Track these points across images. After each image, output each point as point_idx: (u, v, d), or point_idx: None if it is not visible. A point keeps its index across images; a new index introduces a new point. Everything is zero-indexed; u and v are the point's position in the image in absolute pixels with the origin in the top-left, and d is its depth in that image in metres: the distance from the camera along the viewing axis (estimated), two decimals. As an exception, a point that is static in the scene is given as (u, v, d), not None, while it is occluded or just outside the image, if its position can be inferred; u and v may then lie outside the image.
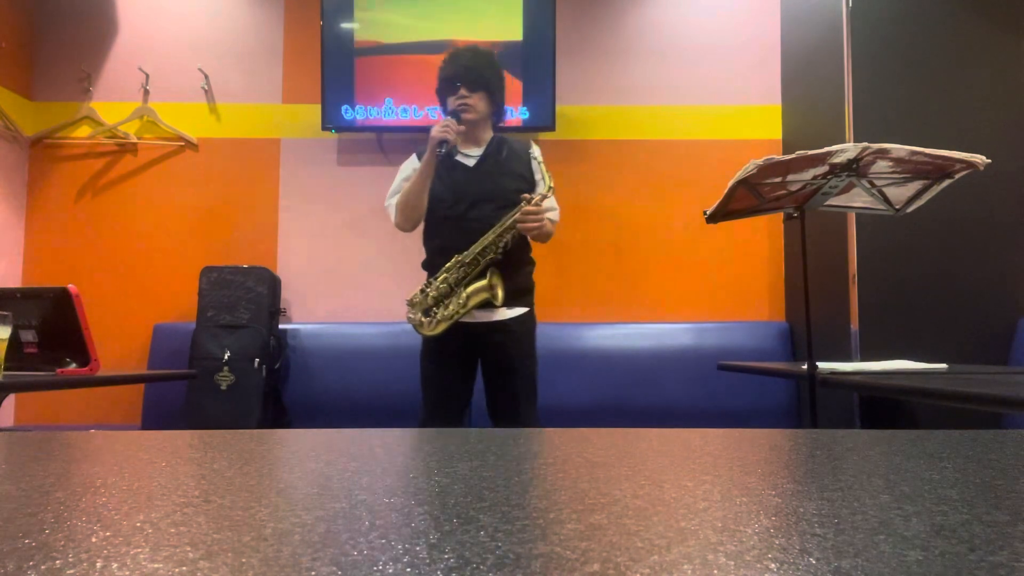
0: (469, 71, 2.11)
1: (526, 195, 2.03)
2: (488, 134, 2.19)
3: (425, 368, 2.13)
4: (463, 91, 2.10)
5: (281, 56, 3.32)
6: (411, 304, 2.07)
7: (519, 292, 2.11)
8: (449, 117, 2.08)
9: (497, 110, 2.20)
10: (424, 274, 2.15)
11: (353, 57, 3.16)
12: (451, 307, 2.01)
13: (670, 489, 0.37)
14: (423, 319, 2.04)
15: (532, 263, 2.19)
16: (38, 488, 0.37)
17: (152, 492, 0.36)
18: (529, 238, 2.10)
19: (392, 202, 2.19)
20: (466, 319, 2.04)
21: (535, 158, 2.13)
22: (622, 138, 3.28)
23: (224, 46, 3.32)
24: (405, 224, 2.16)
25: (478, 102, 2.12)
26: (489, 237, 2.01)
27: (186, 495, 0.35)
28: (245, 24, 3.33)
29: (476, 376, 2.15)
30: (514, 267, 2.09)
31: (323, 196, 3.26)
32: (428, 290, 2.04)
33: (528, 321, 2.14)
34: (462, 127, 2.09)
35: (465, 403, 2.14)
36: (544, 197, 2.04)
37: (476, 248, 2.01)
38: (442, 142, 2.03)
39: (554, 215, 2.11)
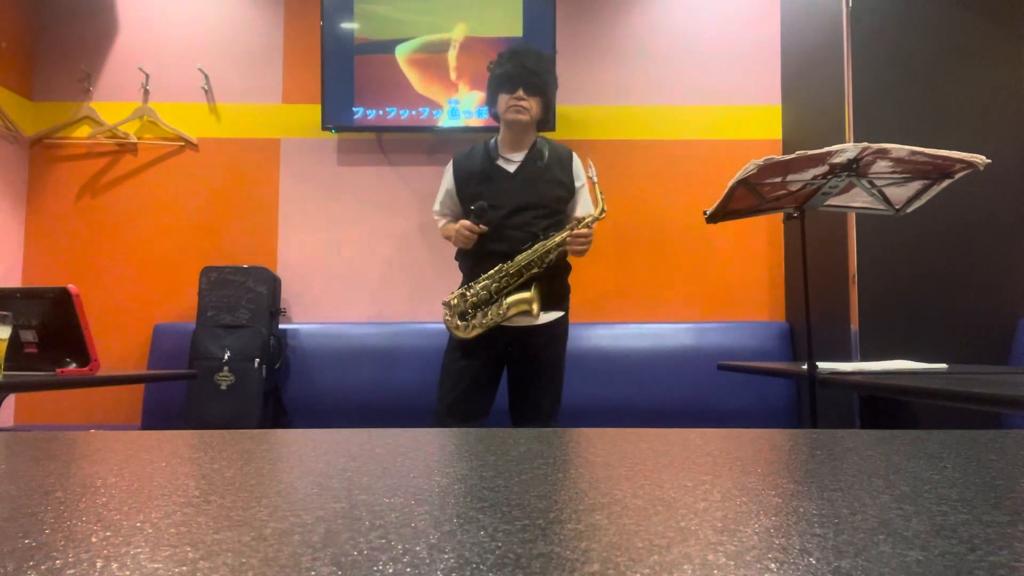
0: (532, 74, 2.10)
1: (578, 216, 2.07)
2: (531, 138, 2.18)
3: (451, 362, 2.11)
4: (521, 92, 2.09)
5: (281, 56, 3.32)
6: (448, 306, 2.08)
7: (555, 297, 2.12)
8: (481, 216, 2.05)
9: (545, 118, 2.21)
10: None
11: (353, 56, 3.16)
12: (490, 315, 2.01)
13: (670, 489, 0.37)
14: (459, 322, 2.05)
15: (569, 268, 2.20)
16: (38, 488, 0.37)
17: (152, 492, 0.36)
18: None
19: (437, 217, 2.28)
20: (504, 322, 2.05)
21: (590, 177, 2.09)
22: (622, 138, 3.28)
23: (224, 46, 3.32)
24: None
25: (533, 106, 2.11)
26: (537, 252, 2.01)
27: (186, 495, 0.35)
28: (245, 24, 3.33)
29: (502, 379, 2.15)
30: (553, 274, 2.10)
31: (323, 196, 3.26)
32: (468, 295, 2.04)
33: (562, 324, 2.14)
34: (483, 228, 2.07)
35: (489, 402, 2.13)
36: (596, 219, 2.05)
37: (522, 260, 2.02)
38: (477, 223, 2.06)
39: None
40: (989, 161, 1.53)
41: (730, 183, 1.63)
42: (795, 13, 3.08)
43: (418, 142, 3.26)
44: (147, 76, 3.26)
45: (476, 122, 3.15)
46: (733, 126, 3.26)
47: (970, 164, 1.54)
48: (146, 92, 3.26)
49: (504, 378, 2.17)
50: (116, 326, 3.17)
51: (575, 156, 2.19)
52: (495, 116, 2.20)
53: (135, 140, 3.25)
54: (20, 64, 3.24)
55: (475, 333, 2.03)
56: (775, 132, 3.25)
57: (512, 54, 2.15)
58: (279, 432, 0.59)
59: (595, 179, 2.07)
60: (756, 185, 1.65)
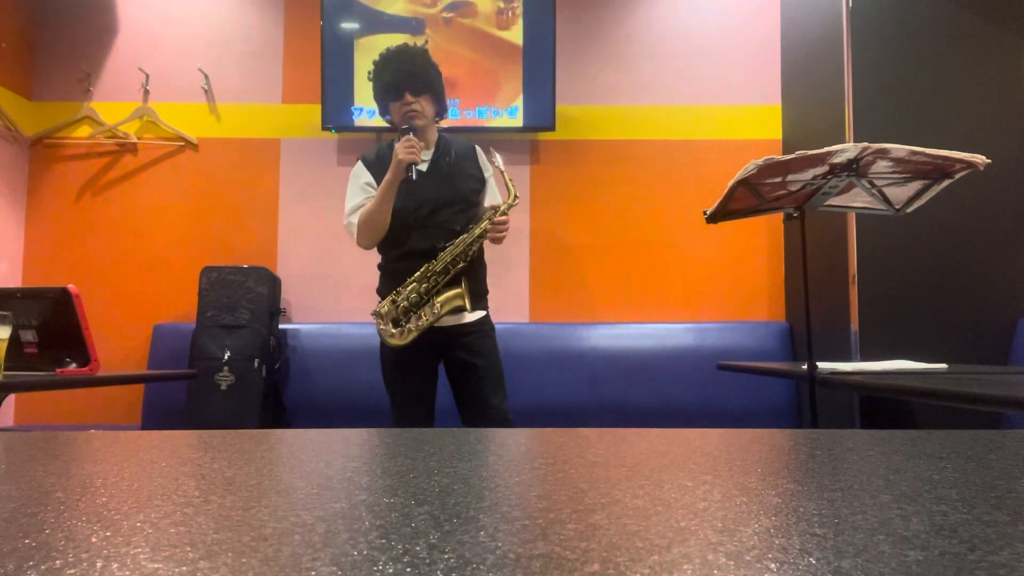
0: (412, 75, 2.07)
1: (494, 204, 2.08)
2: (434, 135, 2.18)
3: (389, 375, 2.11)
4: (408, 96, 2.06)
5: (281, 56, 3.32)
6: (379, 315, 2.04)
7: (479, 296, 2.12)
8: (410, 136, 2.02)
9: (440, 110, 2.18)
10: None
11: (353, 56, 3.16)
12: (424, 317, 2.00)
13: (670, 489, 0.37)
14: (393, 330, 2.02)
15: (485, 266, 2.20)
16: (38, 488, 0.37)
17: (152, 492, 0.36)
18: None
19: (353, 220, 2.11)
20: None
21: (498, 167, 2.11)
22: (622, 138, 3.28)
23: (224, 46, 3.32)
24: (368, 243, 2.11)
25: (425, 106, 2.10)
26: (459, 247, 2.01)
27: (186, 495, 0.35)
28: (245, 24, 3.33)
29: (438, 380, 2.14)
30: (478, 271, 2.12)
31: (323, 196, 3.26)
32: (398, 300, 2.02)
33: (488, 322, 2.15)
34: (422, 143, 2.06)
35: (431, 406, 2.13)
36: (511, 206, 2.08)
37: (447, 256, 2.01)
38: (411, 165, 1.99)
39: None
40: (989, 161, 1.53)
41: (730, 183, 1.63)
42: (795, 13, 3.08)
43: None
44: (147, 76, 3.26)
45: (476, 122, 3.15)
46: (733, 126, 3.26)
47: (970, 164, 1.54)
48: (146, 92, 3.26)
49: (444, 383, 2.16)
50: (116, 326, 3.17)
51: (477, 147, 2.21)
52: (393, 124, 2.16)
53: (135, 140, 3.25)
54: (20, 64, 3.24)
55: (411, 338, 2.00)
56: (775, 132, 3.25)
57: (385, 61, 2.11)
58: (279, 432, 0.59)
59: (503, 168, 2.10)
60: (756, 185, 1.65)
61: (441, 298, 2.00)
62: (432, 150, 2.15)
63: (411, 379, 2.10)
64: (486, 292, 2.19)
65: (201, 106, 3.30)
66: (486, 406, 2.06)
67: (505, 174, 2.11)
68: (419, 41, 3.02)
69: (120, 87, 3.29)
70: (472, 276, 2.08)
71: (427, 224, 2.06)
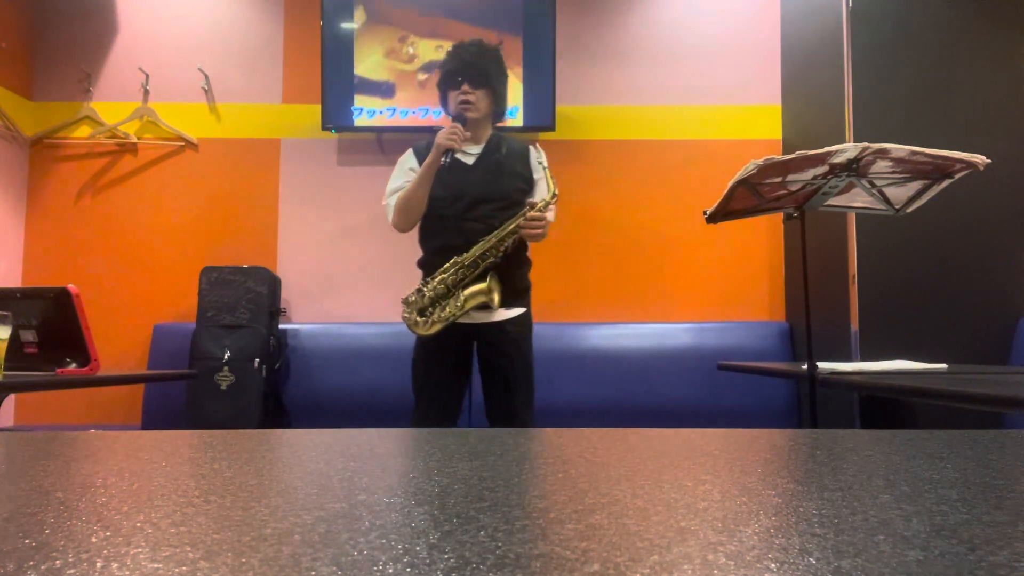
0: (473, 67, 2.07)
1: (531, 200, 2.01)
2: (487, 132, 2.16)
3: (419, 367, 2.10)
4: (466, 87, 2.06)
5: (281, 56, 3.32)
6: (406, 303, 2.05)
7: (516, 293, 2.10)
8: (456, 123, 2.03)
9: (499, 109, 2.17)
10: (420, 273, 2.14)
11: (353, 56, 3.16)
12: (448, 309, 1.99)
13: (670, 489, 0.37)
14: (418, 319, 2.03)
15: (529, 263, 2.17)
16: (38, 488, 0.37)
17: (152, 492, 0.36)
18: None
19: (391, 201, 2.14)
20: (463, 320, 2.02)
21: (540, 163, 2.09)
22: (622, 138, 3.28)
23: (224, 46, 3.32)
24: (403, 225, 2.13)
25: (480, 100, 2.09)
26: (491, 241, 1.99)
27: (186, 495, 0.35)
28: (245, 24, 3.33)
29: (471, 377, 2.14)
30: (512, 268, 2.07)
31: (323, 196, 3.26)
32: (425, 290, 2.02)
33: (525, 322, 2.13)
34: (468, 133, 2.05)
35: (459, 404, 2.12)
36: (548, 204, 2.02)
37: (476, 251, 1.99)
38: (448, 151, 2.00)
39: (551, 215, 2.08)
40: (989, 161, 1.53)
41: (730, 183, 1.63)
42: (795, 13, 3.07)
43: (418, 142, 3.26)
44: (147, 76, 3.26)
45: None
46: (733, 126, 3.26)
47: (970, 164, 1.54)
48: (146, 92, 3.26)
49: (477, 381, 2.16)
50: (116, 326, 3.17)
51: (531, 148, 2.18)
52: (450, 116, 2.15)
53: (135, 140, 3.25)
54: (20, 64, 3.24)
55: (435, 329, 2.00)
56: (775, 132, 3.25)
57: (453, 50, 2.12)
58: (279, 432, 0.59)
59: (545, 164, 2.07)
60: (756, 185, 1.65)
61: (466, 292, 1.99)
62: (482, 145, 2.13)
63: (441, 374, 2.08)
64: (525, 289, 2.15)
65: (201, 106, 3.30)
66: (512, 416, 2.07)
67: (547, 171, 2.07)
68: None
69: (120, 87, 3.29)
70: (506, 273, 2.04)
71: (464, 218, 2.04)
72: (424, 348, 2.09)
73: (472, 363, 2.13)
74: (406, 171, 2.14)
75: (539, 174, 2.13)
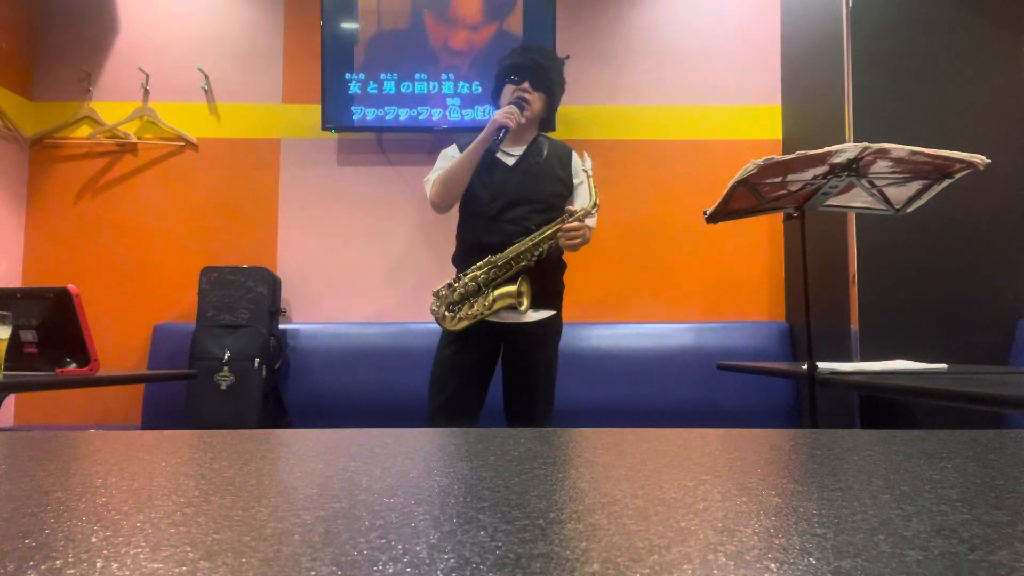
0: (540, 68, 2.10)
1: (571, 208, 1.99)
2: (532, 135, 2.17)
3: (443, 357, 2.09)
4: (527, 86, 2.08)
5: (281, 56, 3.32)
6: (437, 296, 2.06)
7: (548, 295, 2.09)
8: (513, 105, 2.05)
9: (548, 116, 2.20)
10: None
11: (353, 56, 3.16)
12: (476, 307, 1.99)
13: (670, 489, 0.37)
14: (446, 313, 2.03)
15: (564, 266, 2.17)
16: (38, 488, 0.37)
17: (152, 492, 0.36)
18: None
19: (431, 177, 2.14)
20: (492, 318, 2.02)
21: (585, 170, 2.05)
22: (622, 138, 3.28)
23: (224, 46, 3.32)
24: (441, 201, 2.12)
25: (536, 101, 2.10)
26: (527, 244, 1.98)
27: (186, 495, 0.35)
28: (245, 24, 3.33)
29: (493, 376, 2.14)
30: (546, 270, 2.07)
31: (323, 196, 3.26)
32: (456, 285, 2.02)
33: (554, 324, 2.12)
34: (523, 119, 2.07)
35: (482, 401, 2.11)
36: (588, 213, 1.99)
37: (511, 252, 1.99)
38: (502, 128, 2.02)
39: (592, 221, 2.03)
40: (989, 161, 1.53)
41: (730, 183, 1.63)
42: (795, 13, 3.07)
43: (418, 142, 3.26)
44: (147, 76, 3.26)
45: (477, 121, 3.15)
46: (733, 126, 3.26)
47: (970, 164, 1.54)
48: (146, 92, 3.26)
49: (498, 379, 2.16)
50: (116, 326, 3.17)
51: (575, 154, 2.17)
52: (499, 108, 2.14)
53: (135, 140, 3.25)
54: (20, 64, 3.24)
55: (462, 325, 2.01)
56: (775, 132, 3.25)
57: (524, 48, 2.15)
58: (279, 432, 0.59)
59: (590, 172, 2.05)
60: (756, 185, 1.65)
61: (497, 292, 1.99)
62: (524, 147, 2.14)
63: (462, 365, 2.08)
64: (558, 292, 2.15)
65: (201, 106, 3.30)
66: (530, 420, 2.08)
67: (591, 179, 2.03)
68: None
69: (120, 87, 3.29)
70: (542, 275, 2.04)
71: (500, 218, 2.04)
72: (452, 342, 2.09)
73: (497, 362, 2.13)
74: (448, 158, 2.15)
75: (580, 179, 2.11)
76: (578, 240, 1.97)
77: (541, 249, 1.99)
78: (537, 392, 2.08)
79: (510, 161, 2.11)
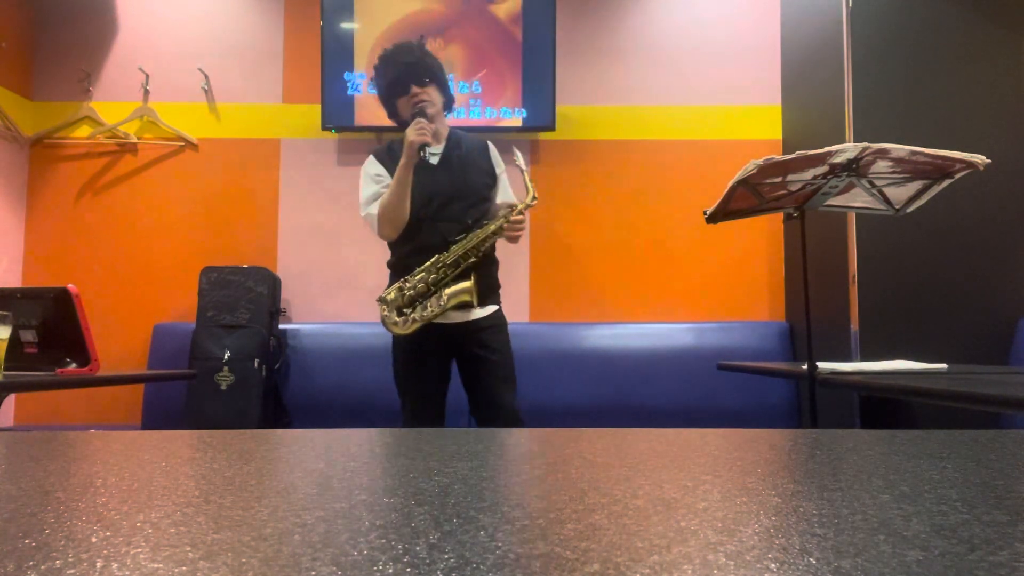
0: (414, 67, 2.07)
1: (510, 203, 2.07)
2: (446, 128, 2.18)
3: (401, 369, 2.10)
4: (415, 89, 2.06)
5: (281, 56, 3.32)
6: (385, 302, 2.04)
7: (491, 290, 2.12)
8: (419, 118, 2.01)
9: (447, 100, 2.18)
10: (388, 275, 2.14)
11: (353, 56, 3.16)
12: (430, 308, 1.99)
13: (670, 489, 0.37)
14: (396, 318, 2.02)
15: (498, 262, 2.19)
16: (38, 488, 0.37)
17: (152, 492, 0.36)
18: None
19: (372, 211, 2.08)
20: (440, 320, 2.02)
21: (519, 166, 2.08)
22: (622, 138, 3.28)
23: (224, 46, 3.32)
24: (391, 233, 2.08)
25: (433, 95, 2.09)
26: (474, 240, 2.00)
27: (186, 495, 0.35)
28: (245, 24, 3.33)
29: (451, 378, 2.13)
30: (488, 266, 2.10)
31: (323, 196, 3.26)
32: (405, 289, 2.01)
33: (501, 317, 2.14)
34: (433, 125, 2.05)
35: (442, 403, 2.12)
36: (528, 206, 2.06)
37: (459, 250, 2.00)
38: (422, 146, 1.98)
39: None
40: (989, 161, 1.53)
41: (730, 183, 1.63)
42: (795, 13, 3.08)
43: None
44: (147, 76, 3.26)
45: (476, 121, 3.15)
46: (733, 126, 3.26)
47: (970, 164, 1.54)
48: (146, 92, 3.26)
49: (456, 381, 2.16)
50: (116, 326, 3.17)
51: (490, 144, 2.21)
52: (403, 125, 2.11)
53: (135, 140, 3.25)
54: (20, 64, 3.24)
55: (414, 328, 2.00)
56: (775, 132, 3.25)
57: (384, 60, 2.11)
58: (279, 432, 0.59)
59: (524, 168, 2.08)
60: (756, 185, 1.65)
61: (449, 291, 1.99)
62: (443, 143, 2.14)
63: (423, 376, 2.08)
64: (498, 287, 2.18)
65: (201, 106, 3.30)
66: (498, 405, 2.05)
67: (526, 174, 2.09)
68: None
69: (120, 87, 3.29)
70: (484, 272, 2.06)
71: (438, 217, 2.05)
72: (404, 349, 2.08)
73: (451, 363, 2.13)
74: (373, 176, 2.12)
75: (501, 168, 2.18)
76: (521, 233, 2.06)
77: (487, 245, 2.02)
78: (496, 378, 2.06)
79: (434, 160, 2.10)
